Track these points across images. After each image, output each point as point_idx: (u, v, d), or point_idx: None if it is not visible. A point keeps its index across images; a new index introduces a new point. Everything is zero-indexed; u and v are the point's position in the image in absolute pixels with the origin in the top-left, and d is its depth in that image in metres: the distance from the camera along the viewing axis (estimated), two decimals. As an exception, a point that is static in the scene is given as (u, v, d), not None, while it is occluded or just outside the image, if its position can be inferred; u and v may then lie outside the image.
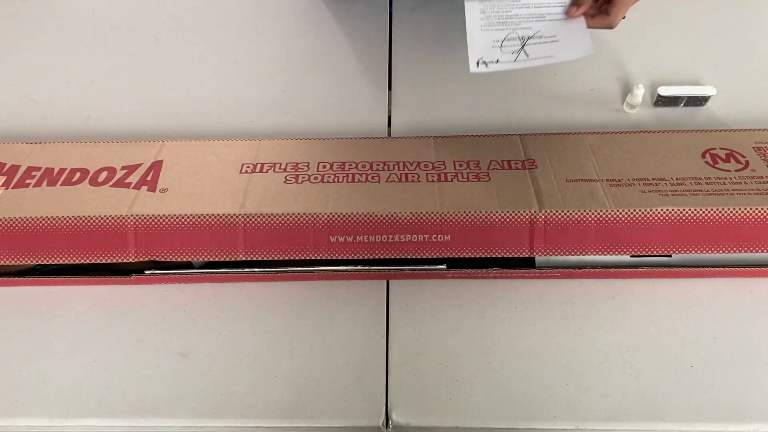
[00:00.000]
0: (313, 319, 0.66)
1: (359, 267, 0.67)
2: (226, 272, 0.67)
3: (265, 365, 0.63)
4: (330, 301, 0.67)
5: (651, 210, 0.62)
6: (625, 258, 0.66)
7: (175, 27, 0.95)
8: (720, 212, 0.62)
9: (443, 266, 0.66)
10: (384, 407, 0.60)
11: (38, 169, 0.69)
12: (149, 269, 0.67)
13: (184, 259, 0.64)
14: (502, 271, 0.67)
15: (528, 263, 0.67)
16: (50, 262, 0.64)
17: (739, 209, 0.62)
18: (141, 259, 0.64)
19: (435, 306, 0.67)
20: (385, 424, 0.59)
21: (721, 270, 0.66)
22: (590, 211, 0.62)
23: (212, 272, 0.67)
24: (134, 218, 0.63)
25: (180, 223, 0.63)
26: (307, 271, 0.67)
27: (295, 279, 0.69)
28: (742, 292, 0.67)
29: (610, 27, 0.70)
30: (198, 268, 0.68)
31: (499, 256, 0.64)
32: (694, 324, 0.65)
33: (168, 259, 0.64)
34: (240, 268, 0.67)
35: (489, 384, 0.61)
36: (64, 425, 0.60)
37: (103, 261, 0.64)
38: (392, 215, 0.63)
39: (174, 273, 0.67)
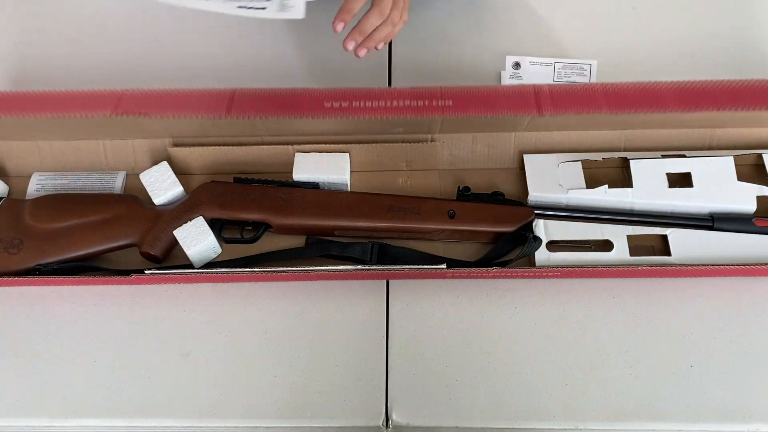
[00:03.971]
0: (313, 319, 0.66)
1: (359, 267, 0.67)
2: (226, 272, 0.67)
3: (265, 365, 0.63)
4: (330, 301, 0.67)
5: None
6: (625, 258, 0.66)
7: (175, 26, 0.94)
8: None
9: (443, 265, 0.66)
10: (384, 407, 0.60)
11: None
12: (149, 269, 0.67)
13: (169, 115, 0.62)
14: (502, 270, 0.67)
15: (527, 263, 0.68)
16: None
17: None
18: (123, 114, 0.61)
19: (435, 306, 0.67)
20: (385, 424, 0.59)
21: (721, 269, 0.66)
22: None
23: (212, 272, 0.67)
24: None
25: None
26: (307, 271, 0.67)
27: (295, 279, 0.69)
28: (742, 292, 0.67)
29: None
30: (198, 268, 0.68)
31: (505, 115, 0.62)
32: (694, 324, 0.65)
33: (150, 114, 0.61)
34: (240, 267, 0.67)
35: (489, 384, 0.61)
36: (64, 425, 0.60)
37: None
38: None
39: (174, 273, 0.67)
